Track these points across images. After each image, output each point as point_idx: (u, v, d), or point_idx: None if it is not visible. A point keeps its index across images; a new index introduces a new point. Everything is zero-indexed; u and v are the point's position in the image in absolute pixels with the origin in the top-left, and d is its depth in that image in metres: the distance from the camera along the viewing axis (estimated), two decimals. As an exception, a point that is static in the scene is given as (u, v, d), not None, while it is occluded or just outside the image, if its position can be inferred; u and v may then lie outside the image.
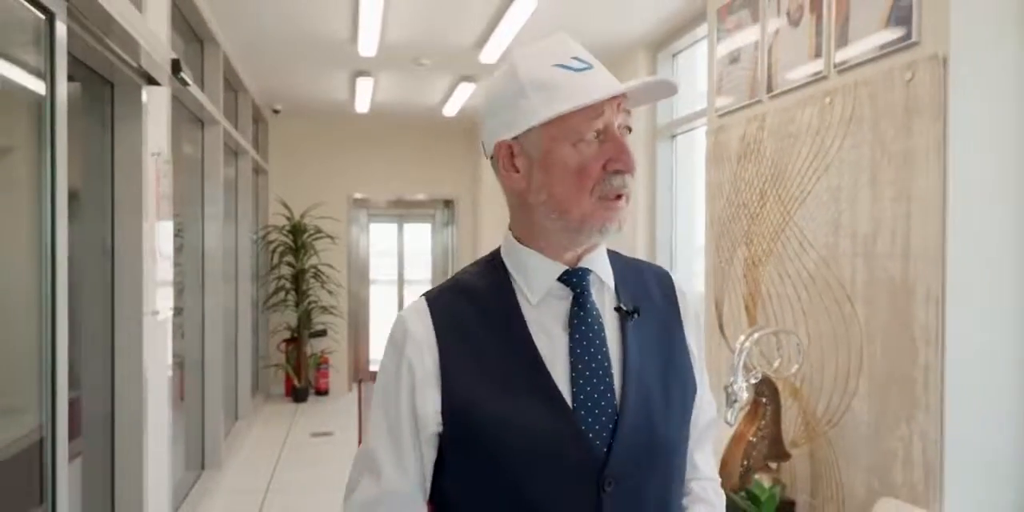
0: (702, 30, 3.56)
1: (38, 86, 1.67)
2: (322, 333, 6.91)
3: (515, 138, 0.90)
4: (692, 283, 3.71)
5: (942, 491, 1.77)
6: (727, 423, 2.14)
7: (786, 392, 2.34)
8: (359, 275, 7.75)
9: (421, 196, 7.64)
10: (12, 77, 1.67)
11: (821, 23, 2.24)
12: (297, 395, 6.75)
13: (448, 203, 7.81)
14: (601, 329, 0.93)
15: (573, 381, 0.89)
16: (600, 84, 0.89)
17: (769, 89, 2.52)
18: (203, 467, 4.34)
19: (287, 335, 6.88)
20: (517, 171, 0.92)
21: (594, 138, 0.88)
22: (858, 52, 2.07)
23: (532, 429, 0.86)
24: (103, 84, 2.34)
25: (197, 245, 4.13)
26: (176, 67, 2.44)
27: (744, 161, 2.68)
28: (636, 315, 0.96)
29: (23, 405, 1.70)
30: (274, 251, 6.80)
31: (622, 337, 0.94)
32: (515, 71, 0.91)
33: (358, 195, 7.33)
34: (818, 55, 2.25)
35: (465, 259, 7.38)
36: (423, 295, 0.97)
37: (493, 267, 0.98)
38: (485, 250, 5.51)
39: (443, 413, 0.89)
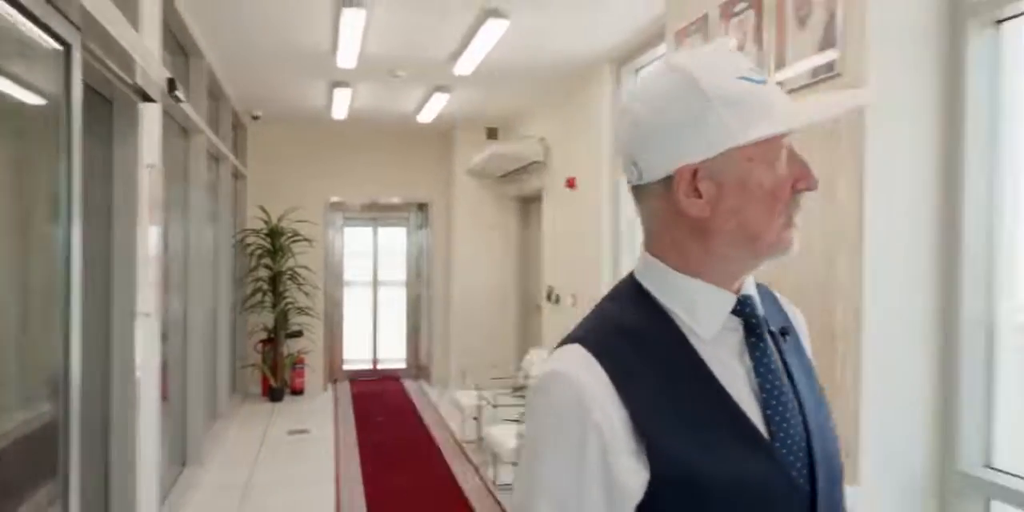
0: (663, 48, 3.81)
1: (55, 106, 1.85)
2: (298, 334, 7.07)
3: (702, 161, 0.80)
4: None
5: (857, 469, 2.03)
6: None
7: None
8: (334, 277, 7.91)
9: (396, 199, 7.83)
10: (33, 100, 1.85)
11: (762, 50, 2.48)
12: (274, 394, 6.89)
13: (422, 206, 8.01)
14: (778, 359, 0.86)
15: (768, 420, 0.82)
16: (796, 103, 0.84)
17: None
18: (185, 463, 4.49)
19: (264, 336, 7.03)
20: (700, 196, 0.81)
21: (784, 158, 0.82)
22: (792, 79, 2.32)
23: (754, 484, 0.79)
24: (104, 102, 2.51)
25: (180, 249, 4.29)
26: (172, 86, 2.62)
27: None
28: (787, 337, 0.90)
29: (42, 392, 1.88)
30: (252, 254, 6.94)
31: (784, 363, 0.87)
32: (695, 83, 0.80)
33: (334, 199, 7.50)
34: (759, 80, 2.50)
35: (439, 261, 7.59)
36: (575, 341, 0.82)
37: (640, 301, 0.85)
38: (460, 252, 5.80)
39: (654, 483, 0.76)
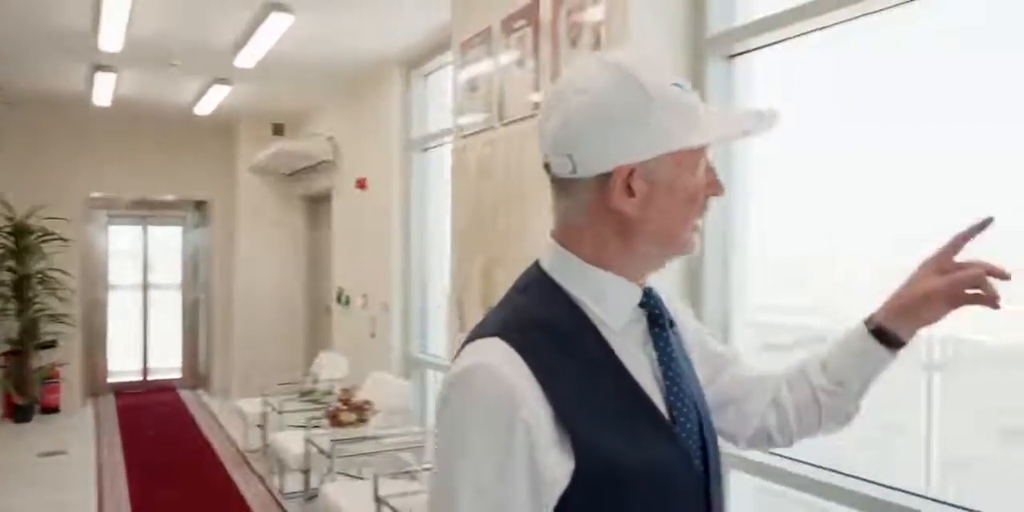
0: (450, 56, 3.93)
1: None
2: (51, 344, 6.32)
3: (642, 161, 0.82)
4: (444, 286, 4.07)
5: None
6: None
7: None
8: (96, 280, 7.17)
9: (170, 196, 7.27)
10: None
11: (539, 66, 2.67)
12: (20, 414, 6.10)
13: (200, 204, 7.51)
14: (676, 349, 0.90)
15: (671, 407, 0.85)
16: (725, 113, 0.90)
17: (501, 118, 2.93)
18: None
19: (6, 348, 6.19)
20: (633, 195, 0.83)
21: (703, 165, 0.86)
22: (566, 94, 2.53)
23: (663, 469, 0.83)
24: None
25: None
26: None
27: (482, 178, 3.08)
28: (674, 330, 0.93)
29: None
30: (-10, 255, 6.10)
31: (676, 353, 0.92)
32: (638, 83, 0.81)
33: (96, 194, 6.80)
34: (537, 94, 2.69)
35: (219, 262, 7.16)
36: (496, 336, 0.81)
37: (551, 293, 0.86)
38: (243, 252, 5.48)
39: (577, 474, 0.77)
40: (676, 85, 0.83)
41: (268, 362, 6.42)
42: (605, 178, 0.82)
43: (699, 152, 0.85)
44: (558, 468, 0.77)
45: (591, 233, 0.85)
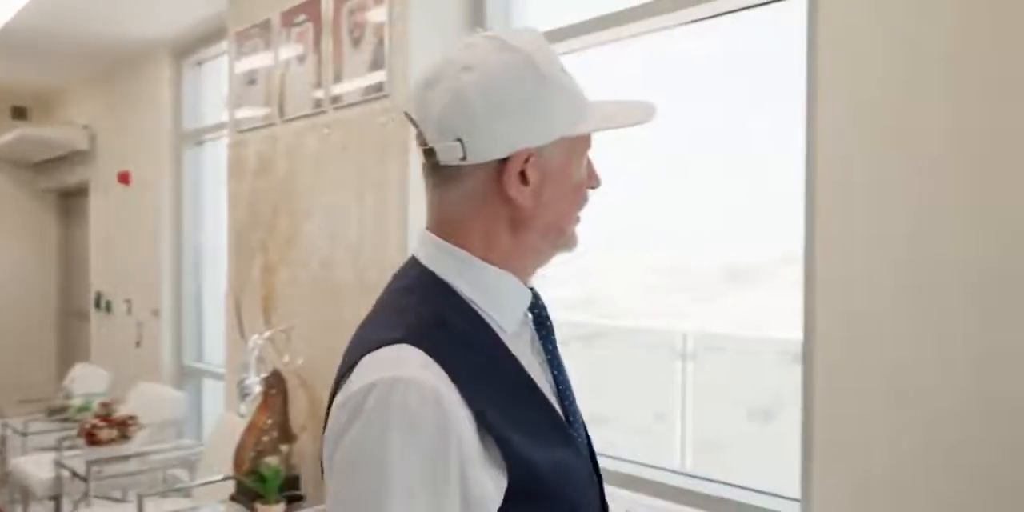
0: (225, 45, 3.71)
1: None
2: None
3: (539, 146, 0.77)
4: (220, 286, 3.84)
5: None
6: (240, 415, 2.37)
7: (295, 382, 2.67)
8: None
9: None
10: None
11: (321, 63, 2.62)
12: None
13: (-81, 197, 6.40)
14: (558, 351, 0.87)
15: (565, 411, 0.82)
16: (610, 102, 0.84)
17: (282, 114, 2.83)
18: None
19: None
20: (527, 184, 0.77)
21: (587, 155, 0.83)
22: (349, 93, 2.50)
23: (577, 478, 0.80)
24: None
25: None
26: None
27: (261, 176, 2.95)
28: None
29: None
30: None
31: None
32: (536, 65, 0.76)
33: None
34: (319, 91, 2.63)
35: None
36: (404, 343, 0.73)
37: (442, 294, 0.78)
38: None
39: (510, 489, 0.71)
40: (563, 71, 0.79)
41: (9, 377, 5.64)
42: (500, 165, 0.76)
43: (586, 141, 0.81)
44: (489, 484, 0.70)
45: (480, 226, 0.78)
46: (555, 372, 0.84)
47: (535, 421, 0.76)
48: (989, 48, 1.33)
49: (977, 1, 1.35)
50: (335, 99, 2.56)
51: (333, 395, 0.75)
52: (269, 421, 2.47)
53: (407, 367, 0.70)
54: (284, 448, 2.55)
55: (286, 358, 2.66)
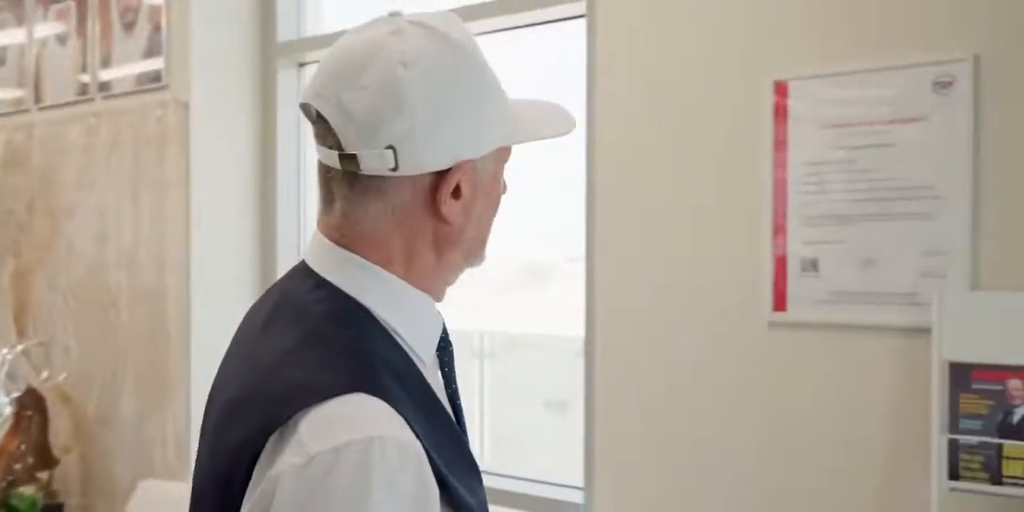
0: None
1: None
2: None
3: (481, 157, 0.69)
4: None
5: (191, 463, 2.14)
6: (-14, 441, 2.08)
7: (57, 400, 2.39)
8: None
9: None
10: None
11: (87, 46, 2.36)
12: None
13: None
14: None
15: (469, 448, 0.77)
16: (537, 107, 0.77)
17: (38, 99, 2.51)
18: None
19: None
20: (458, 198, 0.68)
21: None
22: (121, 82, 2.28)
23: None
24: None
25: None
26: None
27: (12, 169, 2.60)
28: None
29: None
30: None
31: None
32: (479, 65, 0.68)
33: None
34: (84, 76, 2.37)
35: None
36: (368, 394, 0.61)
37: (368, 322, 0.68)
38: None
39: None
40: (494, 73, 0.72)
41: None
42: (434, 177, 0.66)
43: (510, 149, 0.74)
44: None
45: (402, 244, 0.69)
46: (455, 406, 0.76)
47: (462, 465, 0.69)
48: (739, 69, 1.51)
49: (732, 22, 1.53)
50: (103, 86, 2.32)
51: (244, 451, 0.61)
52: (23, 446, 2.20)
53: (377, 422, 0.59)
54: (43, 476, 2.28)
55: (45, 374, 2.37)
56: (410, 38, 0.65)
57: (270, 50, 2.20)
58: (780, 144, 1.45)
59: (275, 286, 0.76)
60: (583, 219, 1.70)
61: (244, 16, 2.20)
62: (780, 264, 1.45)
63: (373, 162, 0.65)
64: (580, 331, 1.73)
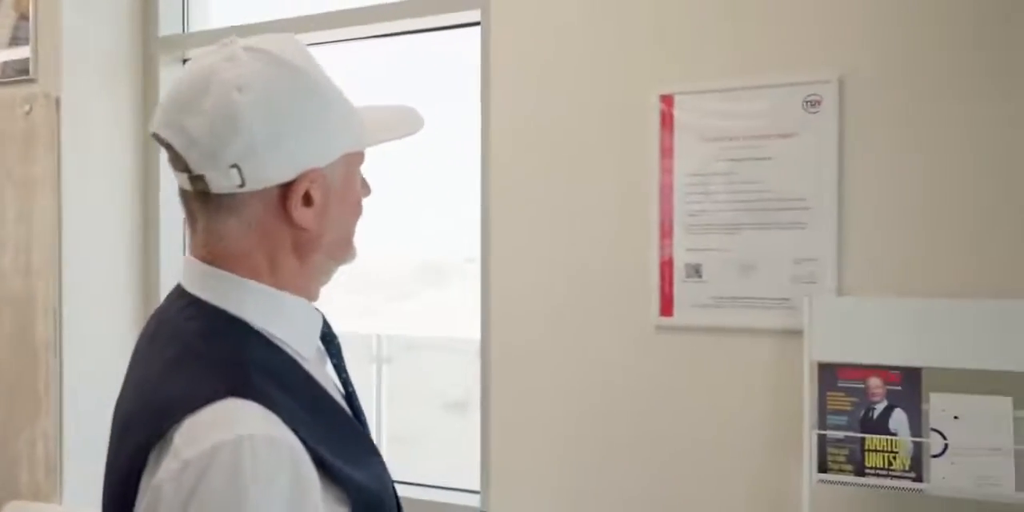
0: None
1: None
2: None
3: (327, 165, 0.74)
4: None
5: (62, 485, 2.00)
6: None
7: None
8: None
9: None
10: None
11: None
12: None
13: None
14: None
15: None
16: (380, 111, 0.82)
17: None
18: None
19: None
20: (310, 205, 0.73)
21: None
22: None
23: (389, 493, 0.78)
24: None
25: None
26: None
27: None
28: None
29: None
30: None
31: None
32: (313, 81, 0.72)
33: None
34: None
35: None
36: (238, 397, 0.65)
37: (240, 332, 0.72)
38: None
39: None
40: (332, 81, 0.76)
41: None
42: (282, 189, 0.71)
43: (362, 153, 0.79)
44: None
45: (264, 254, 0.73)
46: (350, 396, 0.82)
47: (354, 447, 0.75)
48: (628, 82, 1.56)
49: (623, 36, 1.58)
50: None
51: (131, 466, 0.65)
52: None
53: (247, 423, 0.63)
54: None
55: None
56: (243, 63, 0.69)
57: (151, 45, 2.09)
58: (667, 151, 1.51)
59: (160, 305, 0.80)
60: (478, 222, 1.72)
61: (122, 8, 2.08)
62: (667, 269, 1.51)
63: (221, 181, 0.69)
64: (477, 333, 1.74)
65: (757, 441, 1.45)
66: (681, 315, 1.50)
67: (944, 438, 1.25)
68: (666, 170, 1.51)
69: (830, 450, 1.30)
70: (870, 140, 1.37)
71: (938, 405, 1.27)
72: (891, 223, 1.36)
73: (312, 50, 0.76)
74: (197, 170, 0.69)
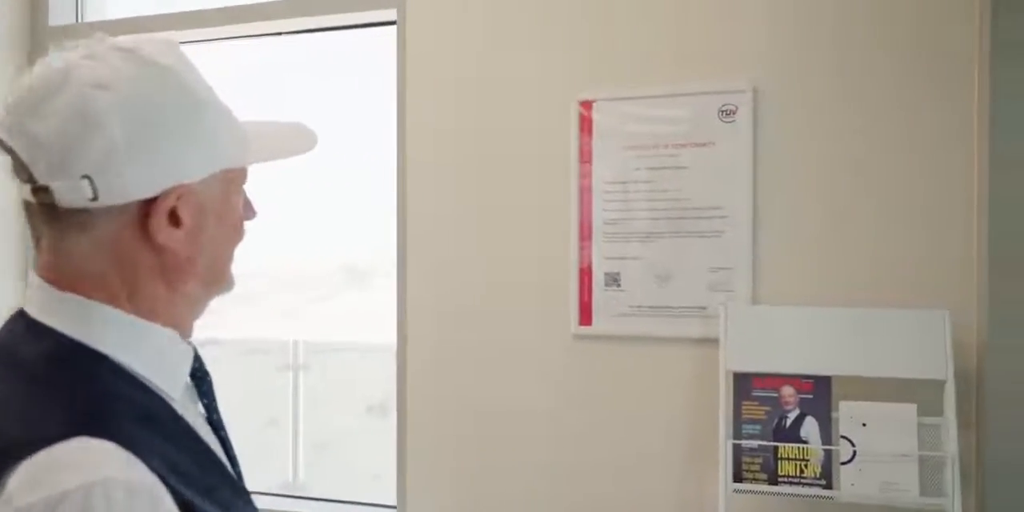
0: None
1: None
2: None
3: (200, 181, 0.65)
4: None
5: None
6: None
7: None
8: None
9: None
10: None
11: None
12: None
13: None
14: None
15: (239, 477, 0.75)
16: (267, 126, 0.74)
17: None
18: None
19: None
20: (179, 225, 0.64)
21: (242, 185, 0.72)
22: None
23: None
24: None
25: None
26: None
27: None
28: None
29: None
30: None
31: None
32: (187, 85, 0.64)
33: None
34: None
35: None
36: (92, 436, 0.56)
37: (96, 364, 0.62)
38: None
39: None
40: (210, 88, 0.68)
41: None
42: (143, 205, 0.62)
43: (244, 171, 0.71)
44: None
45: (123, 278, 0.65)
46: (220, 432, 0.75)
47: (225, 492, 0.67)
48: (549, 87, 1.53)
49: (543, 40, 1.54)
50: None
51: None
52: None
53: (102, 465, 0.55)
54: None
55: None
56: (107, 61, 0.61)
57: (40, 34, 1.95)
58: (586, 157, 1.49)
59: None
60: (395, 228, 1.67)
61: (10, -5, 1.93)
62: (586, 278, 1.49)
63: (69, 194, 0.60)
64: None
65: (675, 450, 1.45)
66: (600, 324, 1.48)
67: (853, 445, 1.27)
68: (585, 176, 1.49)
69: (745, 459, 1.31)
70: (783, 149, 1.38)
71: (847, 413, 1.29)
72: (803, 232, 1.38)
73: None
74: (42, 180, 0.60)
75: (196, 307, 0.71)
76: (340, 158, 2.01)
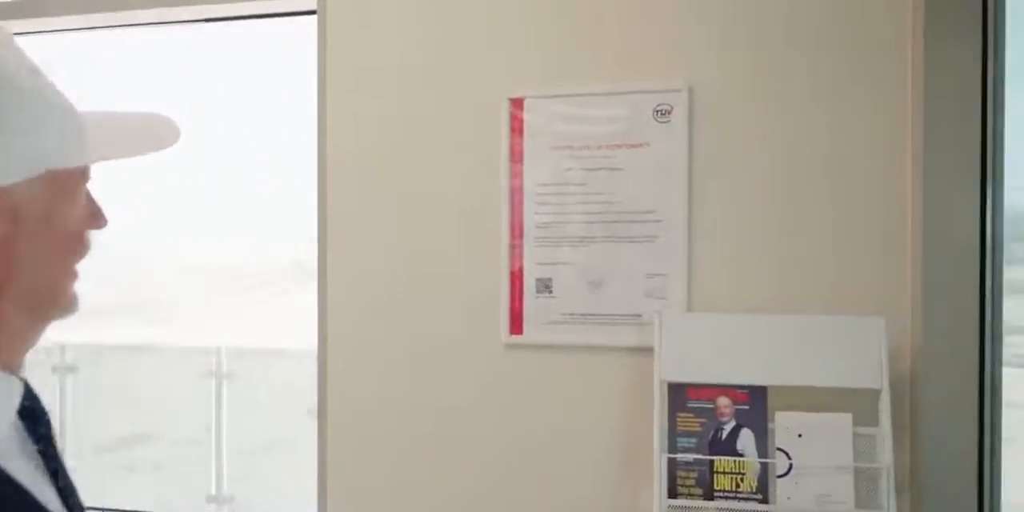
0: None
1: None
2: None
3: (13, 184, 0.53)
4: None
5: None
6: None
7: None
8: None
9: None
10: None
11: None
12: None
13: None
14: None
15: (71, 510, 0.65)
16: (113, 120, 0.61)
17: None
18: None
19: None
20: None
21: (84, 191, 0.60)
22: None
23: None
24: None
25: None
26: None
27: None
28: None
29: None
30: None
31: None
32: (4, 71, 0.52)
33: None
34: None
35: None
36: None
37: None
38: None
39: None
40: (39, 75, 0.56)
41: None
42: None
43: (82, 174, 0.60)
44: None
45: None
46: (62, 484, 0.64)
47: None
48: (477, 83, 1.45)
49: (471, 35, 1.47)
50: None
51: None
52: None
53: None
54: None
55: None
56: None
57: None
58: (516, 157, 1.42)
59: None
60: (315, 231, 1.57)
61: None
62: (516, 283, 1.42)
63: None
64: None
65: (610, 463, 1.40)
66: (531, 332, 1.42)
67: (789, 458, 1.23)
68: (516, 176, 1.42)
69: (680, 473, 1.26)
70: (719, 151, 1.34)
71: (783, 424, 1.25)
72: (739, 237, 1.33)
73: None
74: None
75: (20, 337, 0.59)
76: (281, 151, 1.92)
